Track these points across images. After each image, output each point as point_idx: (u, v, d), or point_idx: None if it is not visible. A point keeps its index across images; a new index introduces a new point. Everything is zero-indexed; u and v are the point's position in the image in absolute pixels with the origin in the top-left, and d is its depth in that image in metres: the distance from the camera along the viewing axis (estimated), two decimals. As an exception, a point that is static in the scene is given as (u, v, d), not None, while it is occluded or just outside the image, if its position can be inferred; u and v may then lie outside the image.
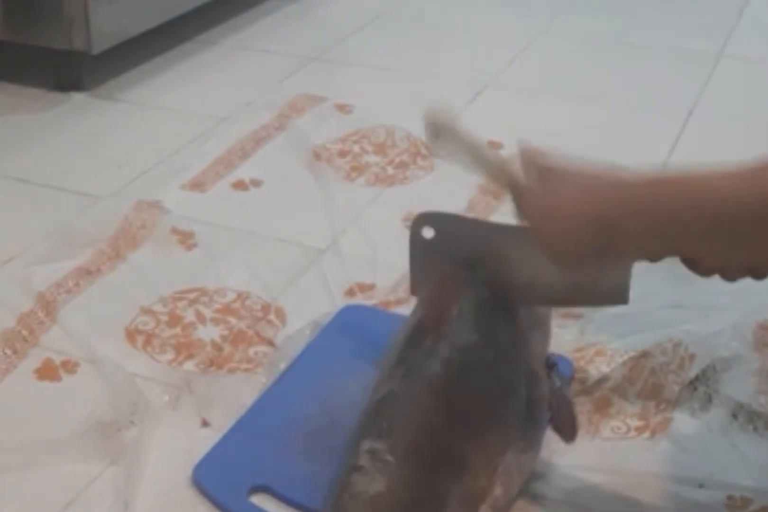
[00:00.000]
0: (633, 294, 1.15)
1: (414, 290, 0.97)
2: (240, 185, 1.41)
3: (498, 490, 0.80)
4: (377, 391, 0.85)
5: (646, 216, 0.71)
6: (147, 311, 1.12)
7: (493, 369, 0.85)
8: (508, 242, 0.89)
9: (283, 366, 1.03)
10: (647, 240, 0.72)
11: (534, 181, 0.77)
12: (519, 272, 0.89)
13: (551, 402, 0.88)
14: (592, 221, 0.72)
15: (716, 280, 0.87)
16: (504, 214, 1.23)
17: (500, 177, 0.83)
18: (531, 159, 0.79)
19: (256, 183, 1.42)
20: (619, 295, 0.89)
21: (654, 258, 0.74)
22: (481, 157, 0.84)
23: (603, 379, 1.00)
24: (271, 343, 1.07)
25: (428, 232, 0.92)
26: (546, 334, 0.95)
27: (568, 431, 0.89)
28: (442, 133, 0.85)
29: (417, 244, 0.93)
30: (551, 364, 0.91)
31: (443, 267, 0.92)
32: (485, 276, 0.90)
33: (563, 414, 0.89)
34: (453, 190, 1.34)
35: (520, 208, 0.79)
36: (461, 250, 0.91)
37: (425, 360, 0.84)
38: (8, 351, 1.05)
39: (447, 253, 0.92)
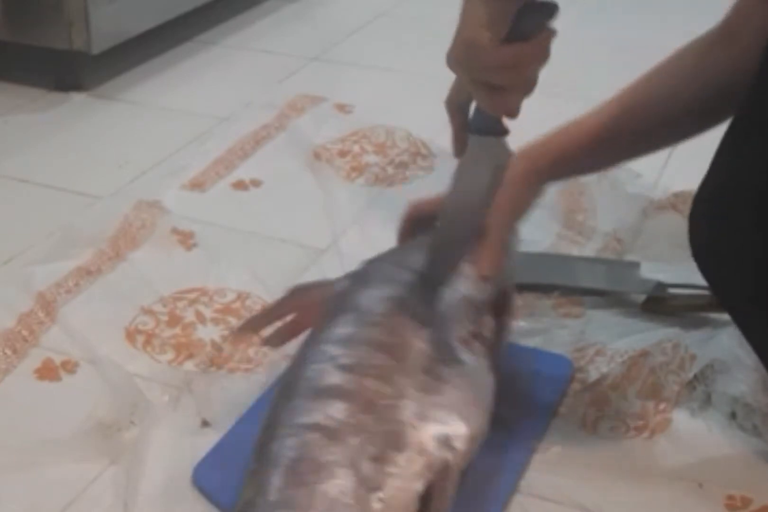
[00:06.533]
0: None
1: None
2: (240, 185, 1.41)
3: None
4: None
5: None
6: (147, 311, 1.12)
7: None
8: None
9: (284, 365, 1.03)
10: None
11: None
12: None
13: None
14: None
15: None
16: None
17: None
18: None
19: (256, 183, 1.42)
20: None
21: None
22: None
23: (602, 379, 1.00)
24: (271, 343, 1.07)
25: None
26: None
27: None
28: None
29: None
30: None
31: None
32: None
33: None
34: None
35: None
36: None
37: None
38: (8, 351, 1.05)
39: None
